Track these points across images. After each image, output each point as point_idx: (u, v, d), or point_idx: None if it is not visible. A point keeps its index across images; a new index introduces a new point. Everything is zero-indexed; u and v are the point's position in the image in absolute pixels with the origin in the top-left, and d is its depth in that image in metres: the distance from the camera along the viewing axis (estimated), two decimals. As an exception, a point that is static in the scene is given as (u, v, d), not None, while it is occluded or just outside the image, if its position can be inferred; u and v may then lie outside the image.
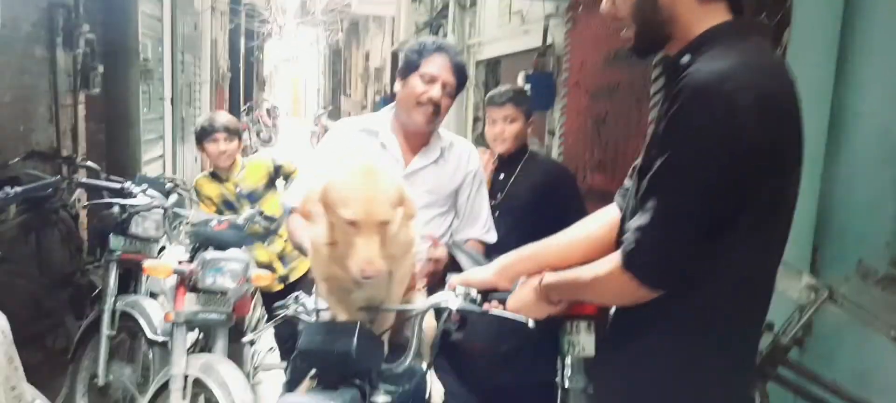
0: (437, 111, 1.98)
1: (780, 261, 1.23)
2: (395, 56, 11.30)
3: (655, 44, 1.22)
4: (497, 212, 2.53)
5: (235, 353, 2.82)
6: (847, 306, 1.81)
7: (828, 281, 1.95)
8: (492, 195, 2.58)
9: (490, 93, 2.70)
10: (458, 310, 1.46)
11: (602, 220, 1.44)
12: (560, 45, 4.31)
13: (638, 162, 1.24)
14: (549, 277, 1.37)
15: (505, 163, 2.67)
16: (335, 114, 20.58)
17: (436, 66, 1.97)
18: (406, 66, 2.02)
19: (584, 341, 2.88)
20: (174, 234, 2.92)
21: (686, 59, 1.14)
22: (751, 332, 1.27)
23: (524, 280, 1.44)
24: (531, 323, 1.39)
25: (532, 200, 2.55)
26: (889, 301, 1.85)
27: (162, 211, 2.81)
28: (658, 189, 1.10)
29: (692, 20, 1.16)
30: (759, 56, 1.11)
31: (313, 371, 1.52)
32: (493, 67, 6.55)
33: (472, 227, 2.12)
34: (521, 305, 1.42)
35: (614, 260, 1.17)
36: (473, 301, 1.46)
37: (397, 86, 2.04)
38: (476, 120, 6.82)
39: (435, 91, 1.96)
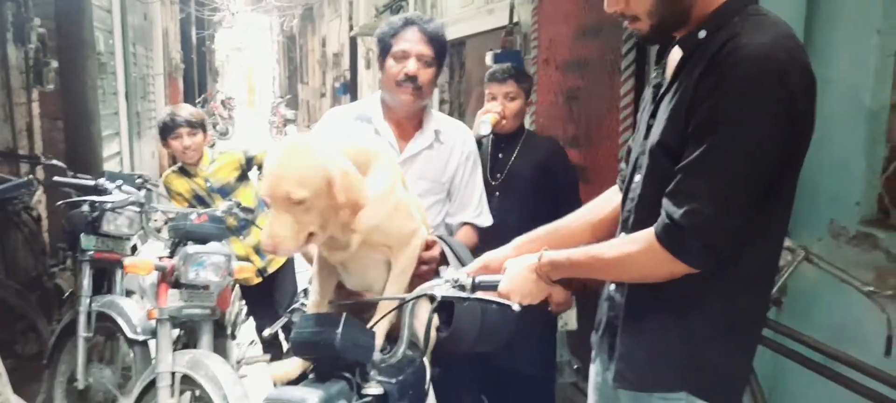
0: (418, 86, 1.93)
1: (783, 239, 1.27)
2: (353, 40, 11.15)
3: (671, 31, 1.24)
4: (497, 193, 2.52)
5: (219, 348, 2.78)
6: (822, 265, 1.89)
7: (802, 242, 2.03)
8: (492, 175, 2.59)
9: (490, 70, 2.67)
10: (444, 297, 1.40)
11: (613, 202, 1.46)
12: (527, 23, 4.32)
13: (652, 138, 1.23)
14: (553, 255, 1.35)
15: (504, 141, 2.62)
16: (293, 102, 20.24)
17: (406, 41, 1.93)
18: (380, 51, 2.00)
19: (567, 316, 2.93)
20: (149, 230, 2.86)
21: (703, 34, 1.17)
22: (765, 296, 1.32)
23: (512, 262, 1.40)
24: (517, 307, 1.34)
25: (533, 178, 2.54)
26: (860, 258, 1.94)
27: (137, 207, 2.74)
28: (710, 163, 1.09)
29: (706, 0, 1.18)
30: (789, 29, 1.15)
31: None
32: (457, 49, 6.53)
33: (464, 210, 2.10)
34: (516, 287, 1.36)
35: (646, 237, 1.17)
36: (463, 287, 1.42)
37: (380, 75, 2.02)
38: (442, 102, 6.81)
39: (410, 65, 1.91)
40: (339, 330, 1.41)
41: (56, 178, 3.05)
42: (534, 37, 4.13)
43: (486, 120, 2.52)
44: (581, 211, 1.53)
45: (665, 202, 1.15)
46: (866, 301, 1.79)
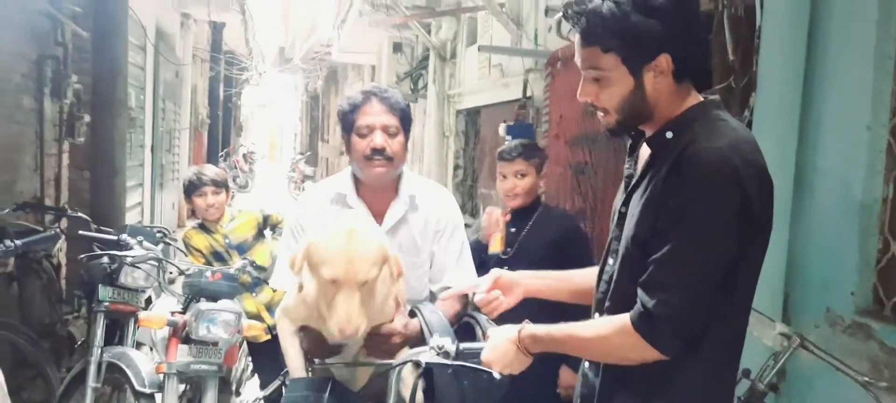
0: (388, 157, 1.87)
1: (747, 321, 1.34)
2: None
3: (635, 127, 1.34)
4: (507, 266, 2.54)
5: (222, 403, 2.83)
6: (817, 353, 1.91)
7: (799, 328, 2.06)
8: (503, 249, 2.58)
9: (500, 149, 2.70)
10: (427, 364, 1.48)
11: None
12: (539, 98, 4.48)
13: (626, 230, 1.31)
14: (533, 329, 1.41)
15: (517, 216, 2.64)
16: (313, 159, 20.63)
17: (367, 115, 1.88)
18: (344, 128, 1.94)
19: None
20: (164, 284, 2.95)
21: (670, 135, 1.27)
22: (731, 378, 1.38)
23: (496, 331, 1.48)
24: (498, 376, 1.41)
25: (544, 255, 2.47)
26: (856, 347, 1.96)
27: (155, 262, 2.84)
28: (677, 258, 1.18)
29: (673, 102, 1.28)
30: (746, 132, 1.26)
31: None
32: (472, 116, 6.71)
33: (441, 276, 2.02)
34: (497, 357, 1.42)
35: (622, 322, 1.24)
36: (447, 354, 1.48)
37: (347, 153, 1.97)
38: (456, 168, 6.96)
39: (376, 139, 1.85)
40: (326, 396, 1.47)
41: (81, 232, 3.17)
42: (545, 111, 4.27)
43: (494, 242, 2.56)
44: (591, 270, 1.58)
45: (639, 292, 1.23)
46: (862, 390, 1.80)
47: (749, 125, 2.23)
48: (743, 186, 1.16)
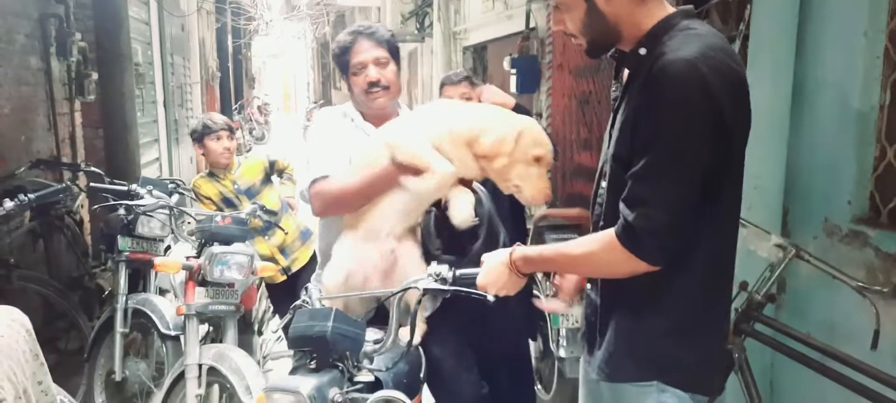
0: (385, 86, 2.01)
1: (736, 229, 1.36)
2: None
3: (607, 47, 1.35)
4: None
5: (245, 343, 2.95)
6: (813, 262, 1.94)
7: (798, 240, 2.09)
8: None
9: (445, 75, 2.86)
10: (426, 289, 1.55)
11: None
12: (543, 29, 4.41)
13: (610, 149, 1.34)
14: (525, 250, 1.47)
15: None
16: (327, 107, 20.59)
17: (358, 54, 2.01)
18: (341, 70, 2.08)
19: (575, 313, 3.01)
20: (179, 232, 3.04)
21: (643, 51, 1.27)
22: (724, 287, 1.41)
23: (488, 256, 1.53)
24: (491, 298, 1.48)
25: None
26: (852, 255, 1.99)
27: (168, 210, 2.93)
28: (653, 172, 1.20)
29: (639, 18, 1.28)
30: (716, 39, 1.24)
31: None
32: (479, 53, 6.64)
33: None
34: (492, 280, 1.49)
35: (608, 237, 1.27)
36: (444, 280, 1.56)
37: (348, 91, 2.10)
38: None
39: (371, 72, 1.99)
40: (330, 322, 1.54)
41: (93, 184, 3.26)
42: (549, 42, 4.21)
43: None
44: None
45: (621, 206, 1.25)
46: (858, 297, 1.84)
47: (745, 39, 2.20)
48: (712, 95, 1.16)
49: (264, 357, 3.22)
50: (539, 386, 3.34)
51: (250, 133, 15.91)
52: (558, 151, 3.10)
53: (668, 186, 1.20)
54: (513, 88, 4.39)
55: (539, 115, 4.64)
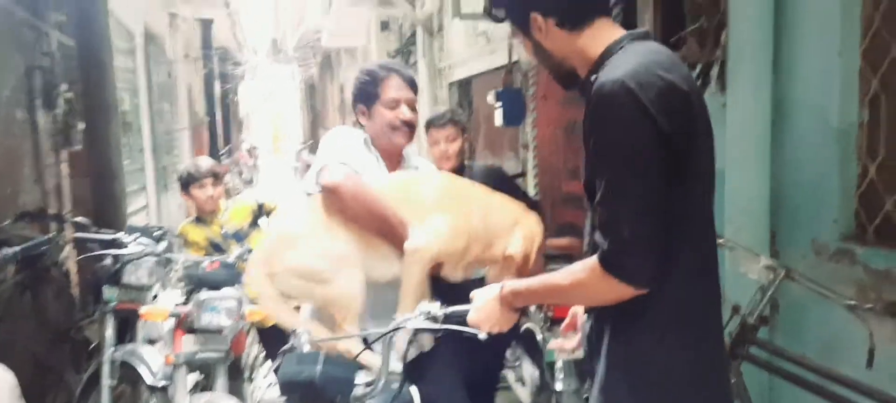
0: (412, 127, 2.07)
1: (714, 240, 1.36)
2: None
3: (567, 77, 1.38)
4: None
5: (236, 390, 2.89)
6: (804, 282, 1.93)
7: (787, 261, 2.09)
8: None
9: (430, 117, 2.90)
10: (417, 329, 1.53)
11: None
12: (526, 62, 4.47)
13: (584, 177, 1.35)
14: (513, 285, 1.45)
15: None
16: (315, 147, 20.67)
17: (394, 89, 2.04)
18: (366, 98, 2.08)
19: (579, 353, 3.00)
20: (167, 280, 3.00)
21: (593, 77, 1.28)
22: (714, 311, 1.39)
23: (478, 293, 1.51)
24: (483, 336, 1.46)
25: None
26: (842, 273, 1.99)
27: (154, 258, 2.90)
28: (611, 195, 1.21)
29: (584, 47, 1.31)
30: (654, 55, 1.25)
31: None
32: (464, 87, 6.70)
33: None
34: (484, 318, 1.47)
35: (592, 264, 1.26)
36: (435, 318, 1.54)
37: (362, 119, 2.10)
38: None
39: (405, 112, 2.03)
40: (319, 366, 1.52)
41: (77, 234, 3.23)
42: (532, 74, 4.26)
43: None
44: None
45: (596, 235, 1.26)
46: (849, 315, 1.83)
47: (722, 64, 2.24)
48: (643, 107, 1.17)
49: (257, 404, 3.16)
50: (537, 421, 3.29)
51: (240, 176, 15.89)
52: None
53: (629, 203, 1.20)
54: (498, 121, 4.42)
55: (525, 147, 4.67)
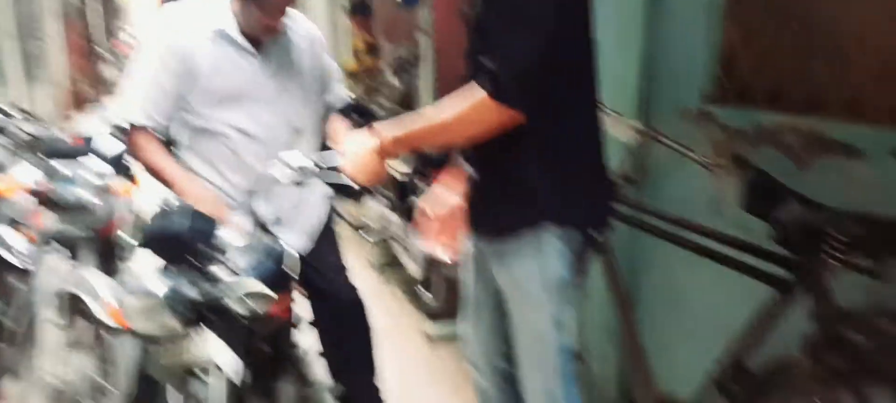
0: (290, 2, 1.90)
1: (596, 100, 1.51)
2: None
3: None
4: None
5: (108, 272, 2.76)
6: (667, 142, 2.04)
7: (654, 122, 2.19)
8: None
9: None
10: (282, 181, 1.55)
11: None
12: (422, -61, 4.28)
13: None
14: (393, 132, 1.46)
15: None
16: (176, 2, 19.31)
17: None
18: None
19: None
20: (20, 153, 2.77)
21: None
22: (597, 146, 1.55)
23: (348, 142, 1.52)
24: (357, 186, 1.51)
25: None
26: (702, 134, 2.10)
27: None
28: (508, 28, 1.31)
29: None
30: None
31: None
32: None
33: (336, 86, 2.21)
34: (360, 168, 1.49)
35: (474, 93, 1.34)
36: (303, 170, 1.53)
37: None
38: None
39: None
40: (184, 219, 1.47)
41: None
42: (428, -49, 4.10)
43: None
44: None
45: (483, 61, 1.34)
46: (707, 171, 1.96)
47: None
48: None
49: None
50: (428, 293, 3.40)
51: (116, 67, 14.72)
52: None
53: (522, 36, 1.31)
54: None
55: (425, 31, 4.55)
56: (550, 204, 1.45)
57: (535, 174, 1.44)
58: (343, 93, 2.25)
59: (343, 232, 4.42)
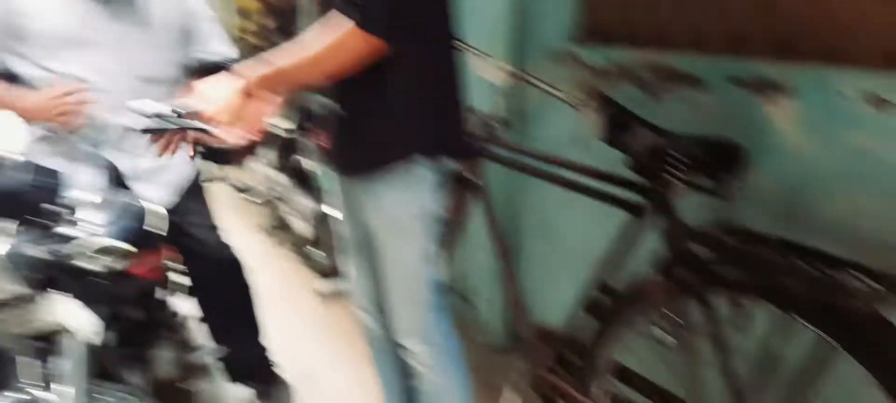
0: None
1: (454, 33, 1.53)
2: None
3: None
4: None
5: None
6: (534, 83, 2.10)
7: (523, 64, 2.25)
8: None
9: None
10: (147, 129, 1.45)
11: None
12: None
13: None
14: (261, 72, 1.42)
15: None
16: None
17: None
18: None
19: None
20: None
21: None
22: (456, 79, 1.57)
23: (208, 86, 1.45)
24: (231, 137, 1.46)
25: None
26: (568, 73, 2.19)
27: None
28: None
29: None
30: None
31: None
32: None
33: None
34: (224, 110, 1.42)
35: (342, 26, 1.33)
36: (160, 116, 1.45)
37: None
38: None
39: None
40: (23, 174, 1.37)
41: None
42: None
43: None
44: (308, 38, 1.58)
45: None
46: (575, 111, 2.03)
47: None
48: None
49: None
50: (319, 251, 3.36)
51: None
52: None
53: None
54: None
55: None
56: (420, 136, 1.47)
57: (404, 106, 1.45)
58: (223, 49, 2.10)
59: (230, 195, 4.28)
